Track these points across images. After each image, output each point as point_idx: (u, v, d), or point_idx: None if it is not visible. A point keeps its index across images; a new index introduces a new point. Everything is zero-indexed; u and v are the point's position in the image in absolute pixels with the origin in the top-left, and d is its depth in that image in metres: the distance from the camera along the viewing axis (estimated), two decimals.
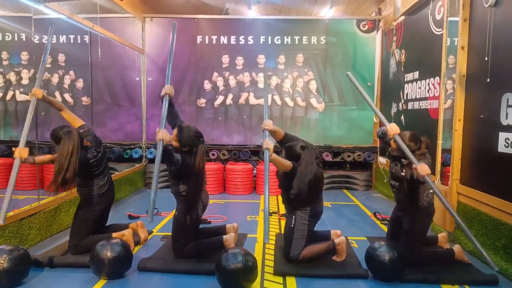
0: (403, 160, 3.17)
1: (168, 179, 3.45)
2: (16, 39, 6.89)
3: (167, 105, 3.07)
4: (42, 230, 3.83)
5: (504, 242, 3.17)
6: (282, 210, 4.73)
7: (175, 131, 3.26)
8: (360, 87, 3.29)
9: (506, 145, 3.20)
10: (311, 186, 3.12)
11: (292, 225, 3.25)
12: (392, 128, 3.09)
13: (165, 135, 2.84)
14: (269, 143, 2.90)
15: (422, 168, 2.81)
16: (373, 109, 3.32)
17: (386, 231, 3.71)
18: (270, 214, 4.95)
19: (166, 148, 2.88)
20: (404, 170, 3.14)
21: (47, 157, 3.24)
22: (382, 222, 4.64)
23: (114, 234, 3.47)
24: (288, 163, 3.10)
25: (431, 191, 4.15)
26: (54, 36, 6.83)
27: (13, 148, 3.05)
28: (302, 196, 3.13)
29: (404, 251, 3.00)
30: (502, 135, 3.25)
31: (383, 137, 3.28)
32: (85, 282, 2.92)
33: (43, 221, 3.84)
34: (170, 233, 3.43)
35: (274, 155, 2.97)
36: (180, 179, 3.25)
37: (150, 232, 4.08)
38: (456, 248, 3.29)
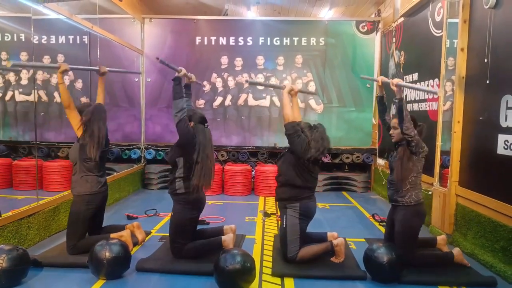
0: (399, 143, 3.29)
1: (167, 169, 3.46)
2: (15, 39, 6.88)
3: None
4: (41, 230, 3.83)
5: (503, 244, 3.17)
6: None
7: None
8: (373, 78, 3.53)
9: (505, 147, 3.20)
10: (321, 151, 3.20)
11: (284, 225, 3.26)
12: (379, 77, 3.50)
13: (184, 70, 3.23)
14: (289, 85, 3.51)
15: (395, 79, 3.19)
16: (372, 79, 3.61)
17: (384, 232, 3.70)
18: (269, 215, 4.95)
19: (180, 80, 3.21)
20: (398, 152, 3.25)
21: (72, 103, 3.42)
22: (381, 223, 4.64)
23: (112, 235, 3.46)
24: (291, 115, 3.32)
25: (430, 192, 4.16)
26: (53, 36, 6.83)
27: (59, 63, 3.41)
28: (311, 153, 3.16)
29: (400, 252, 3.00)
30: (502, 137, 3.26)
31: (382, 96, 3.53)
32: (83, 282, 2.91)
33: (42, 221, 3.83)
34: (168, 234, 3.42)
35: (287, 96, 3.44)
36: (180, 151, 3.25)
37: (148, 233, 4.08)
38: (456, 251, 3.29)
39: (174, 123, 3.21)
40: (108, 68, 3.86)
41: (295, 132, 3.20)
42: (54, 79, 6.81)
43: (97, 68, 3.80)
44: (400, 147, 3.25)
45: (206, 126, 3.35)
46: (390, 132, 3.37)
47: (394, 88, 3.16)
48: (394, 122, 3.30)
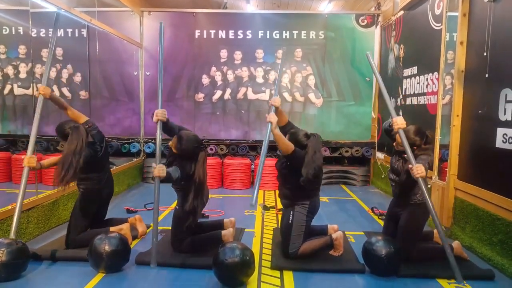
0: (405, 156, 3.16)
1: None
2: (13, 32, 6.85)
3: (160, 131, 3.04)
4: (40, 224, 3.84)
5: (501, 237, 3.19)
6: (280, 204, 4.74)
7: (174, 139, 3.24)
8: (376, 71, 3.32)
9: (504, 140, 3.21)
10: (317, 174, 3.09)
11: (290, 221, 3.22)
12: (397, 122, 3.03)
13: (161, 171, 2.86)
14: (273, 117, 2.94)
15: (417, 170, 2.85)
16: (385, 97, 3.25)
17: (383, 226, 3.71)
18: (268, 208, 4.96)
19: (164, 179, 2.91)
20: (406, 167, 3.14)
21: (53, 159, 3.27)
22: (380, 217, 4.65)
23: (112, 228, 3.47)
24: (290, 144, 3.04)
25: (429, 185, 4.17)
26: (52, 29, 6.79)
27: (22, 156, 3.13)
28: (311, 183, 3.08)
29: (400, 246, 3.01)
30: (500, 131, 3.26)
31: (389, 130, 3.21)
32: (83, 275, 2.92)
33: (41, 215, 3.84)
34: (168, 227, 3.44)
35: (277, 131, 2.97)
36: (182, 188, 3.24)
37: (148, 226, 4.09)
38: (455, 244, 3.30)
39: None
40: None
41: (301, 157, 3.08)
42: (53, 73, 6.78)
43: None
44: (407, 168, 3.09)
45: (202, 149, 3.27)
46: (394, 144, 3.30)
47: (415, 177, 2.90)
48: (398, 139, 3.16)
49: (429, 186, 4.32)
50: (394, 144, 3.30)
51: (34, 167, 3.14)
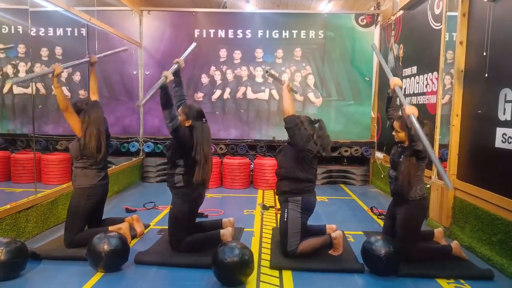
0: (403, 145, 3.25)
1: (166, 162, 3.46)
2: (12, 31, 6.84)
3: (175, 67, 3.36)
4: (39, 223, 3.83)
5: (500, 237, 3.19)
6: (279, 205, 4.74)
7: (181, 107, 3.36)
8: (382, 60, 3.45)
9: (503, 140, 3.21)
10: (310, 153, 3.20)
11: (285, 219, 3.25)
12: (394, 80, 3.20)
13: (169, 74, 3.10)
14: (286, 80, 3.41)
15: (409, 108, 2.91)
16: (383, 65, 3.47)
17: (383, 225, 3.72)
18: (267, 208, 4.96)
19: (166, 88, 3.06)
20: (403, 154, 3.18)
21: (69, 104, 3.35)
22: (379, 216, 4.65)
23: (110, 228, 3.46)
24: (292, 108, 3.28)
25: (428, 185, 4.18)
26: (51, 28, 6.79)
27: (52, 66, 3.28)
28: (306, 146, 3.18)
29: (400, 246, 3.01)
30: (500, 131, 3.26)
31: (390, 97, 3.38)
32: (82, 274, 2.92)
33: (40, 214, 3.84)
34: (167, 227, 3.43)
35: (287, 96, 3.33)
36: (179, 153, 3.25)
37: (147, 226, 4.08)
38: (454, 244, 3.30)
39: (168, 131, 3.16)
40: (97, 56, 3.83)
41: (295, 125, 3.19)
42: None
43: (87, 59, 3.73)
44: (405, 157, 3.15)
45: (204, 121, 3.31)
46: (393, 133, 3.34)
47: (406, 117, 2.99)
48: (397, 126, 3.25)
49: (428, 185, 4.31)
50: (393, 133, 3.32)
51: (60, 72, 3.29)
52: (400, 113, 3.31)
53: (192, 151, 3.18)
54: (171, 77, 3.13)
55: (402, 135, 3.23)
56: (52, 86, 3.33)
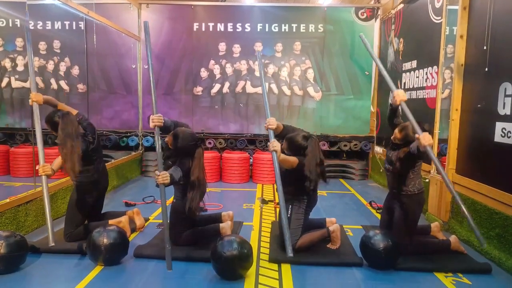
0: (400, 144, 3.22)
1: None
2: (10, 25, 6.80)
3: (159, 136, 2.97)
4: (38, 217, 3.83)
5: (498, 231, 3.20)
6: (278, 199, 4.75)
7: (170, 137, 3.22)
8: (372, 51, 3.26)
9: (503, 134, 3.21)
10: (317, 180, 3.14)
11: (288, 215, 3.23)
12: (399, 94, 2.94)
13: (165, 179, 2.85)
14: (276, 144, 2.84)
15: (425, 137, 2.70)
16: (384, 74, 3.11)
17: (380, 219, 3.72)
18: (266, 202, 4.97)
19: (168, 185, 2.92)
20: (399, 148, 3.18)
21: (58, 160, 3.18)
22: (378, 211, 4.66)
23: (110, 221, 3.47)
24: (294, 160, 3.05)
25: (427, 180, 4.18)
26: (49, 22, 6.75)
27: (37, 167, 3.06)
28: (315, 185, 3.12)
29: (396, 239, 3.02)
30: (499, 125, 3.26)
31: (395, 107, 3.17)
32: (82, 268, 2.93)
33: (39, 208, 3.84)
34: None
35: (282, 155, 2.93)
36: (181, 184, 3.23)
37: (146, 220, 4.09)
38: (453, 238, 3.31)
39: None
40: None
41: (303, 165, 3.09)
42: (51, 66, 6.75)
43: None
44: (401, 151, 3.14)
45: (199, 145, 3.26)
46: (392, 138, 3.30)
47: (421, 148, 2.77)
48: (398, 137, 3.20)
49: (427, 180, 4.32)
50: (392, 137, 3.30)
51: (49, 174, 3.01)
52: (403, 121, 3.24)
53: (190, 175, 3.15)
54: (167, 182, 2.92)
55: (400, 141, 3.21)
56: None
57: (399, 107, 3.08)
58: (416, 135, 2.78)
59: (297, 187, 3.17)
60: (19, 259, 2.88)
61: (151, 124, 2.98)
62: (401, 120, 3.29)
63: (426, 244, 3.33)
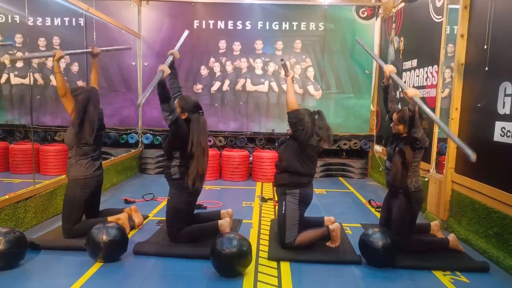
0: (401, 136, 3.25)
1: (163, 154, 3.44)
2: (9, 21, 6.78)
3: (170, 60, 3.29)
4: (38, 214, 3.84)
5: (497, 230, 3.21)
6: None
7: (177, 100, 3.30)
8: (371, 52, 3.47)
9: (502, 134, 3.21)
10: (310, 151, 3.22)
11: (283, 211, 3.27)
12: (388, 67, 3.23)
13: (166, 68, 3.03)
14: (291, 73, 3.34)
15: (411, 90, 2.87)
16: (373, 56, 3.53)
17: (379, 218, 3.73)
18: (266, 200, 4.97)
19: (162, 82, 3.00)
20: (398, 145, 3.20)
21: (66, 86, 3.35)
22: (377, 209, 4.67)
23: (109, 218, 3.47)
24: (296, 101, 3.21)
25: (426, 179, 4.19)
26: (49, 18, 6.73)
27: (54, 50, 3.45)
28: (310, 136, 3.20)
29: (395, 237, 3.03)
30: (499, 124, 3.26)
31: (386, 86, 3.37)
32: (81, 264, 2.94)
33: (39, 205, 3.84)
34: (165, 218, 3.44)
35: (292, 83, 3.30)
36: (176, 145, 3.23)
37: (145, 217, 4.09)
38: (451, 237, 3.32)
39: (166, 123, 3.12)
40: (100, 48, 3.82)
41: (299, 120, 3.16)
42: (50, 62, 6.74)
43: (90, 50, 3.75)
44: (401, 146, 3.17)
45: (200, 113, 3.27)
46: (391, 125, 3.34)
47: (409, 100, 2.90)
48: (395, 118, 3.25)
49: (426, 179, 4.33)
50: (391, 125, 3.33)
51: (61, 55, 3.46)
52: (399, 106, 3.31)
53: (189, 144, 3.16)
54: (168, 71, 3.06)
55: (400, 127, 3.22)
56: (54, 71, 3.37)
57: (391, 84, 3.32)
58: (404, 90, 2.96)
59: (292, 171, 3.23)
60: (19, 256, 2.88)
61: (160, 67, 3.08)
62: (396, 107, 3.37)
63: (424, 242, 3.33)
